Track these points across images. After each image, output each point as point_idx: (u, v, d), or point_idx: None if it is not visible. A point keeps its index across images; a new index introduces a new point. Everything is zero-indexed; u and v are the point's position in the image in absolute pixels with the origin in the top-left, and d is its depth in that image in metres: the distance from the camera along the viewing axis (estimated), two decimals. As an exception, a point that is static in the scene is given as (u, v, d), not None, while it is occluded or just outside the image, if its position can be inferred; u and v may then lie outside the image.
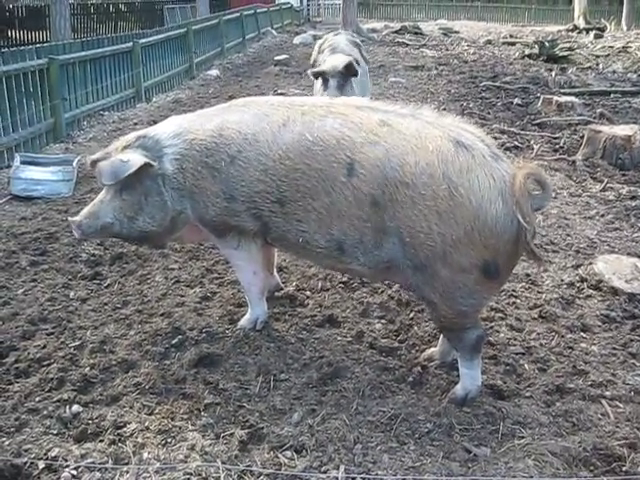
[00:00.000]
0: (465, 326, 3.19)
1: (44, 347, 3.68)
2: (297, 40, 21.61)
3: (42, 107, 8.17)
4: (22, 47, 12.48)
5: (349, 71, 6.11)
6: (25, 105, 7.79)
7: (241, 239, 3.54)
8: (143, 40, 11.09)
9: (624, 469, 2.91)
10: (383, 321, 3.99)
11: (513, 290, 4.36)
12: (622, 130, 7.68)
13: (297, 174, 3.22)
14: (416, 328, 3.92)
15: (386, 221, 3.06)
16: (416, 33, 25.39)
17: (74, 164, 6.64)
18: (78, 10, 32.68)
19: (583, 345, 3.81)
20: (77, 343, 3.72)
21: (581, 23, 28.15)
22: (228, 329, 3.80)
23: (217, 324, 3.87)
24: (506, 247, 2.98)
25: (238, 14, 20.80)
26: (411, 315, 4.06)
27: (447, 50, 19.68)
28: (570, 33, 26.52)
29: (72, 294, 4.31)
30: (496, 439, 3.04)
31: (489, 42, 22.25)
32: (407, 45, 20.93)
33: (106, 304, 4.17)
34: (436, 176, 2.96)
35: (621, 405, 3.33)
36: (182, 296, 4.24)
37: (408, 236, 3.02)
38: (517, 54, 17.96)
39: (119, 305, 4.15)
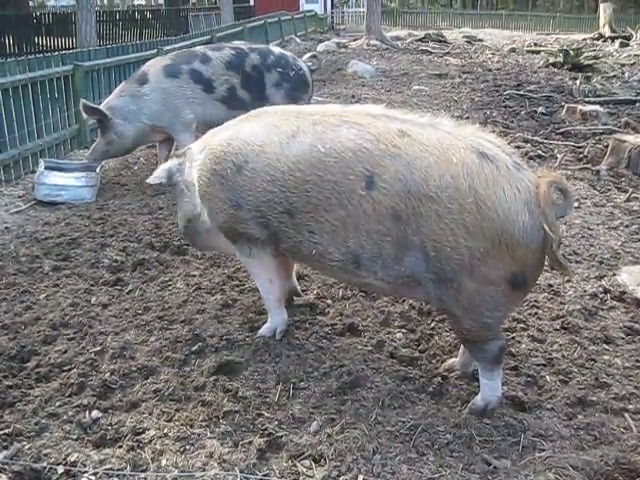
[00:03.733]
0: (488, 338, 3.16)
1: (65, 352, 3.69)
2: (320, 48, 21.65)
3: (67, 113, 8.24)
4: (48, 53, 12.60)
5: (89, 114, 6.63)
6: (50, 111, 7.85)
7: (252, 247, 3.57)
8: (168, 47, 11.13)
9: (648, 486, 2.87)
10: (404, 330, 3.97)
11: (535, 301, 4.32)
12: (648, 139, 7.62)
13: (308, 186, 3.21)
14: (437, 338, 3.90)
15: (409, 235, 3.03)
16: (440, 41, 25.34)
17: (97, 170, 6.69)
18: (104, 17, 32.95)
19: (606, 357, 3.76)
20: (98, 349, 3.72)
21: (606, 31, 27.91)
22: (248, 337, 3.79)
23: (237, 332, 3.86)
24: (534, 258, 2.96)
25: (262, 22, 20.89)
26: (432, 325, 4.04)
27: (471, 58, 19.63)
28: (595, 41, 26.33)
29: (94, 300, 4.33)
30: (516, 451, 3.01)
31: (513, 50, 22.17)
32: (431, 53, 20.90)
33: (127, 310, 4.18)
34: (462, 189, 2.92)
35: (645, 418, 3.29)
36: (203, 303, 4.24)
37: (433, 250, 2.99)
38: (541, 62, 17.87)
39: (140, 311, 4.16)
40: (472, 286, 3.00)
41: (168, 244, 5.16)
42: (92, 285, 4.54)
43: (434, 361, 3.68)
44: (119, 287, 4.52)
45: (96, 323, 4.02)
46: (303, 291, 4.35)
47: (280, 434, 3.04)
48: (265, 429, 3.06)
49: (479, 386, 3.29)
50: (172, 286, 4.49)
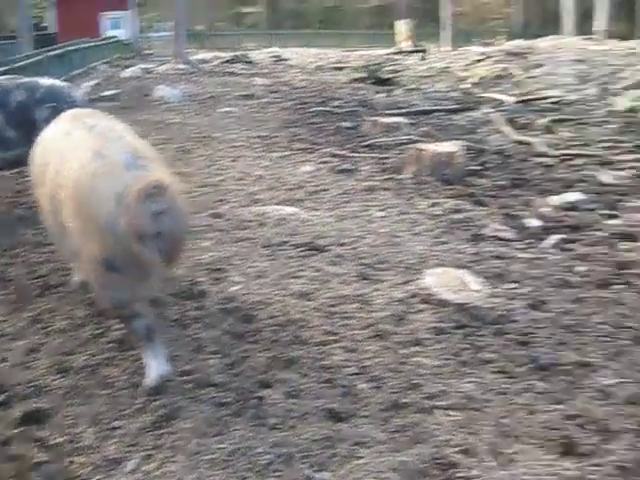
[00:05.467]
0: (126, 315, 3.52)
1: None
2: (126, 73, 21.27)
3: None
4: None
5: None
6: None
7: None
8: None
9: (460, 475, 2.99)
10: (219, 356, 3.93)
11: (345, 312, 4.42)
12: (445, 147, 8.03)
13: None
14: (250, 360, 3.88)
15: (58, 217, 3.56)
16: (247, 62, 25.65)
17: None
18: None
19: (416, 359, 3.90)
20: None
21: (405, 46, 29.35)
22: (56, 380, 3.63)
23: (44, 377, 3.67)
24: (122, 245, 3.24)
25: (63, 50, 20.25)
26: (245, 347, 4.02)
27: (278, 78, 19.96)
28: (395, 56, 27.56)
29: None
30: (336, 462, 3.05)
31: (319, 68, 22.80)
32: (238, 74, 21.08)
33: None
34: (77, 180, 3.37)
35: (455, 413, 3.43)
36: (7, 350, 4.00)
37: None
38: (345, 78, 18.48)
39: None
40: (86, 266, 3.49)
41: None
42: None
43: (248, 383, 3.66)
44: None
45: None
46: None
47: (95, 479, 2.92)
48: (78, 475, 2.93)
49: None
50: (-29, 338, 4.21)
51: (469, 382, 3.71)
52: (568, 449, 3.24)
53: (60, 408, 3.40)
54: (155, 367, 3.50)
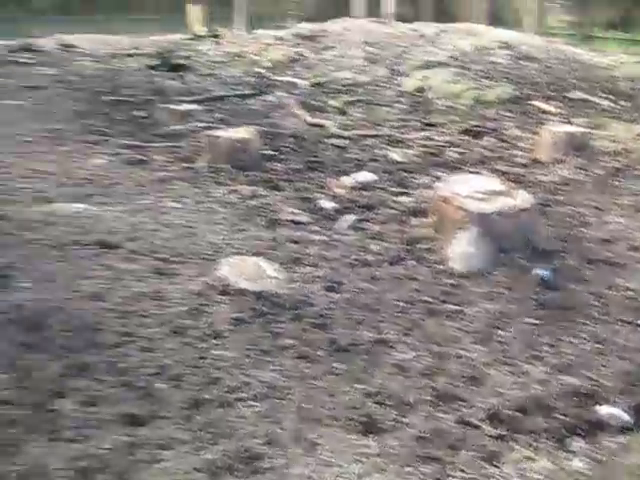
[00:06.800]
0: None
1: None
2: None
3: None
4: None
5: None
6: None
7: None
8: None
9: (265, 466, 3.00)
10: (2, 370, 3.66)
11: (141, 310, 4.29)
12: (240, 133, 7.99)
13: None
14: (40, 370, 3.66)
15: None
16: (32, 50, 24.28)
17: None
18: None
19: (216, 352, 3.86)
20: None
21: (199, 30, 29.00)
22: None
23: None
24: None
25: None
26: (35, 357, 3.77)
27: (66, 67, 19.04)
28: (190, 41, 27.15)
29: None
30: (137, 469, 2.95)
31: (110, 55, 21.99)
32: (23, 64, 19.87)
33: None
34: None
35: (258, 404, 3.43)
36: None
37: None
38: (138, 65, 17.94)
39: None
40: None
41: None
42: None
43: (40, 396, 3.44)
44: None
45: None
46: None
47: None
48: None
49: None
50: None
51: (271, 371, 3.73)
52: (369, 427, 3.34)
53: None
54: None
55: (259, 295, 4.46)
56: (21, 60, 20.67)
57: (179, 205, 6.29)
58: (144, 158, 8.09)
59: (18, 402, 3.39)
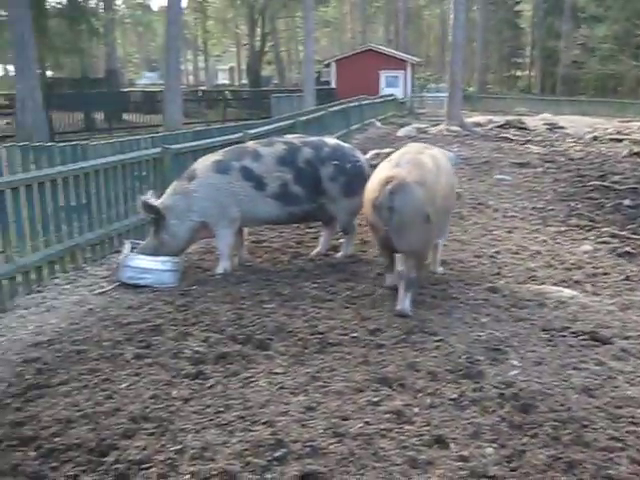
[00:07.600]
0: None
1: (144, 449, 3.60)
2: (401, 132, 21.77)
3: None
4: (135, 129, 12.86)
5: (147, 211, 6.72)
6: (138, 192, 7.99)
7: None
8: (252, 131, 11.33)
9: None
10: (495, 445, 3.73)
11: (633, 417, 3.98)
12: None
13: None
14: (529, 454, 3.64)
15: None
16: (520, 128, 25.23)
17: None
18: (189, 96, 34.25)
19: None
20: (178, 447, 3.62)
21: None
22: (332, 444, 3.63)
23: (321, 438, 3.70)
24: None
25: (344, 105, 21.18)
26: (524, 440, 3.79)
27: (552, 147, 19.41)
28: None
29: (175, 393, 4.24)
30: None
31: (595, 138, 21.89)
32: (512, 140, 20.78)
33: (208, 406, 4.06)
34: None
35: None
36: (286, 404, 4.10)
37: None
38: (625, 152, 17.54)
39: (221, 409, 4.03)
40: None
41: (251, 337, 5.04)
42: (173, 377, 4.45)
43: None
44: (200, 381, 4.42)
45: (176, 419, 3.93)
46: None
47: None
48: None
49: None
50: (254, 383, 4.36)
51: None
52: None
53: (335, 474, 3.40)
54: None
55: None
56: (510, 136, 21.69)
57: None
58: (633, 251, 7.80)
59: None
